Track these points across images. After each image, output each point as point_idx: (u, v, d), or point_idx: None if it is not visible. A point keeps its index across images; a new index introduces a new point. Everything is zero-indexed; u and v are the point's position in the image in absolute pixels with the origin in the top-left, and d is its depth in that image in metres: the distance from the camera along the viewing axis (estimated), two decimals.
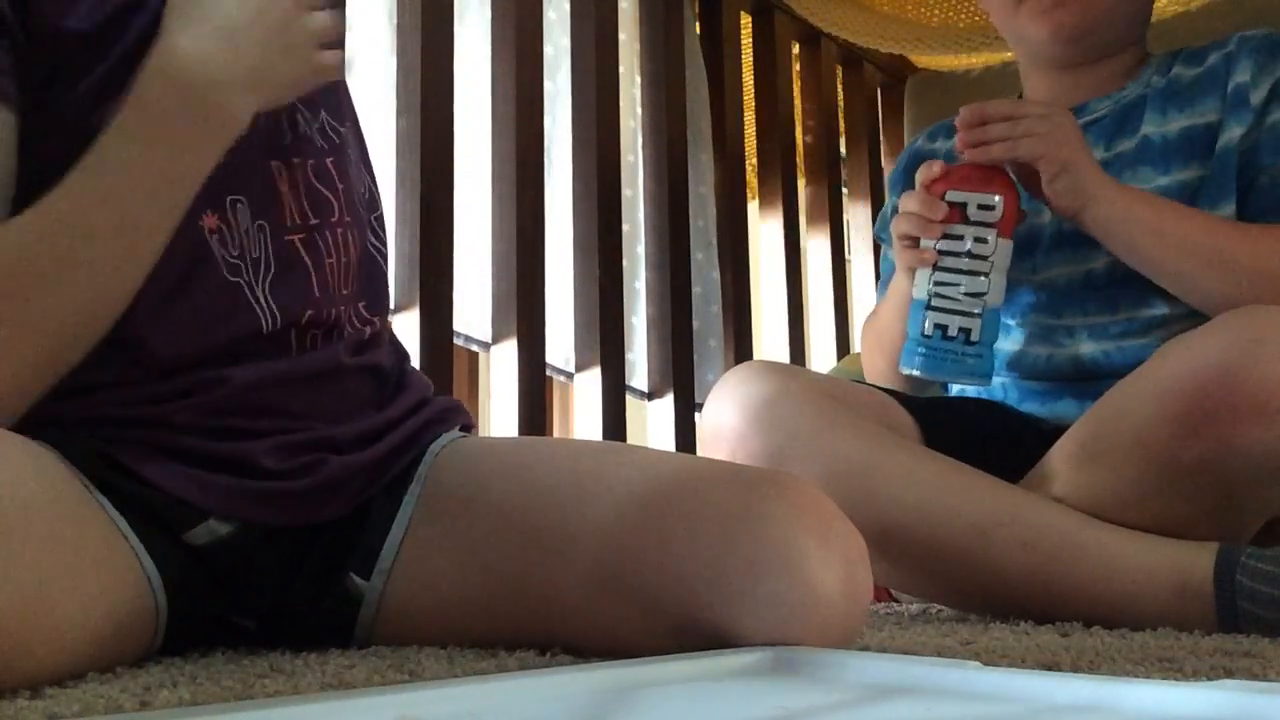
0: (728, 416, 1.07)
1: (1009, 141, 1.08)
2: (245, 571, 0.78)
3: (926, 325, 1.12)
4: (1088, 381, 1.15)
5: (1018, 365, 1.22)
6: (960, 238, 1.10)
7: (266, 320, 0.79)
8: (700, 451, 1.19)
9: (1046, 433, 1.10)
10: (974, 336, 1.11)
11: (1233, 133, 1.13)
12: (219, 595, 0.78)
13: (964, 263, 1.11)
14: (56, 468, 0.69)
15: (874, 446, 1.03)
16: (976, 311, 1.11)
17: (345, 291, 0.85)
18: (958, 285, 1.11)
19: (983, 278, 1.10)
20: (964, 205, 1.10)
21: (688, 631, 0.67)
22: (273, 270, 0.80)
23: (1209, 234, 1.07)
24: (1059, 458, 1.03)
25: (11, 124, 0.74)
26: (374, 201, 0.93)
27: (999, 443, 1.14)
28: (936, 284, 1.12)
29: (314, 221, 0.83)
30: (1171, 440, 0.90)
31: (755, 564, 0.65)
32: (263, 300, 0.79)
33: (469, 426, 0.92)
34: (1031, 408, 1.21)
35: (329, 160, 0.86)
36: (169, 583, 0.73)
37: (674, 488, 0.72)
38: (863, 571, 0.69)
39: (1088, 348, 1.17)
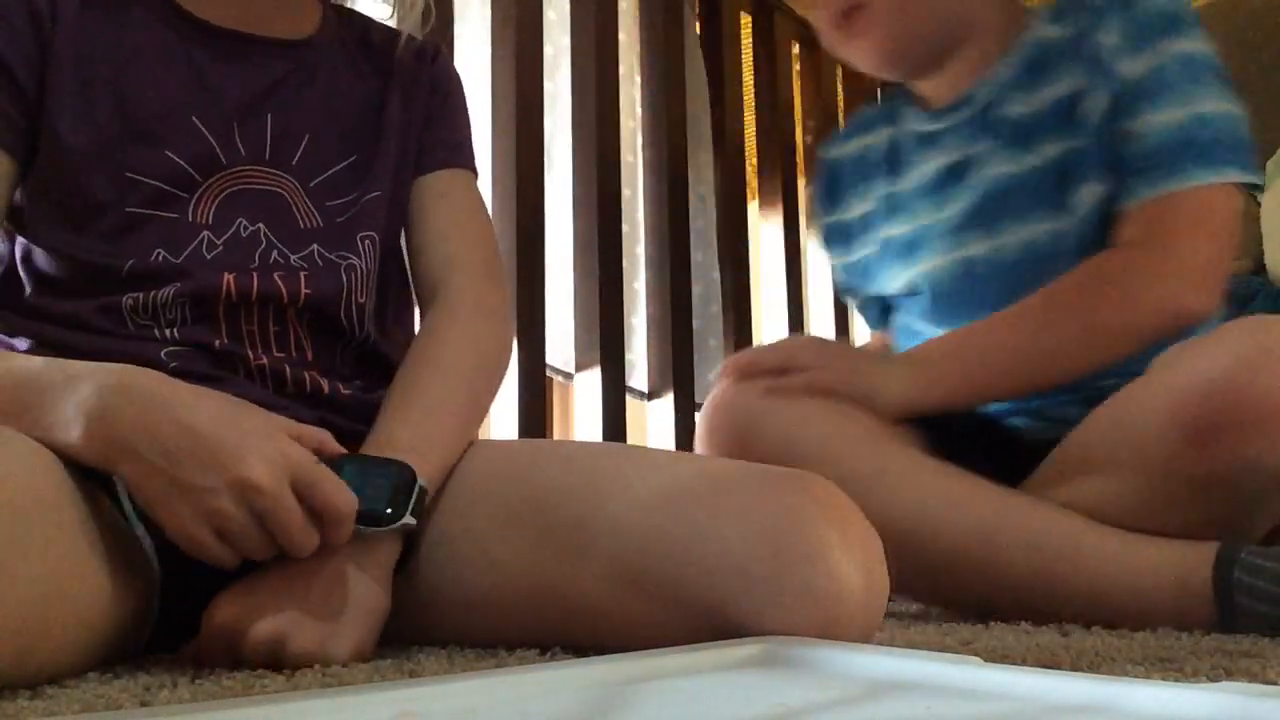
0: (724, 422, 1.07)
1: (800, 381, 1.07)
2: None
3: None
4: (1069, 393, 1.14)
5: None
6: None
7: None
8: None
9: (1036, 443, 1.09)
10: None
11: (1098, 99, 1.13)
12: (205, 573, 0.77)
13: None
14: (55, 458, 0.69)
15: (873, 453, 1.03)
16: None
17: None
18: None
19: None
20: None
21: (711, 626, 0.66)
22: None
23: (1024, 347, 1.07)
24: (1060, 465, 1.03)
25: (6, 167, 0.83)
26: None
27: (1000, 449, 1.14)
28: None
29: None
30: (1179, 453, 0.90)
31: (781, 553, 0.66)
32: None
33: None
34: (1018, 422, 1.20)
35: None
36: (160, 550, 0.74)
37: (696, 484, 0.73)
38: (880, 569, 0.69)
39: None
